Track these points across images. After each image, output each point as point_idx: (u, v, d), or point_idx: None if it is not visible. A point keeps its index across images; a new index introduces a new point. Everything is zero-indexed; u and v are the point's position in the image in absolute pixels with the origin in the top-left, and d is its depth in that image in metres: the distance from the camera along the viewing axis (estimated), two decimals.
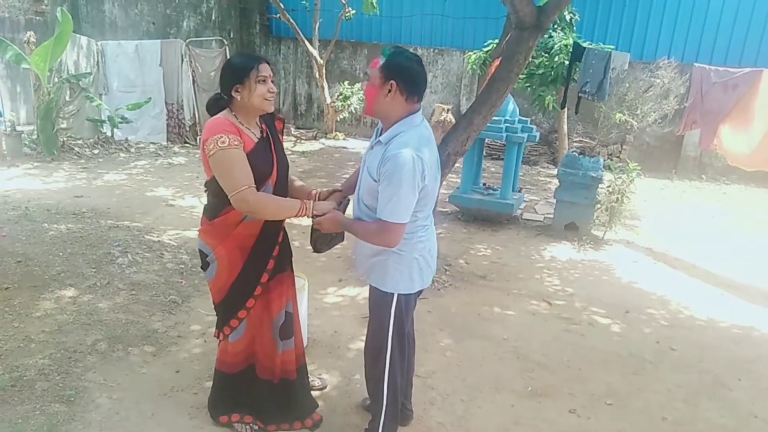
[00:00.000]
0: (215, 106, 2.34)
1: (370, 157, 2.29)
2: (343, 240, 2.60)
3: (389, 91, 2.18)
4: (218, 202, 2.35)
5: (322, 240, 2.51)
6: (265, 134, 2.40)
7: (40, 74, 7.97)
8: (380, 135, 2.29)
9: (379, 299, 2.42)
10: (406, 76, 2.18)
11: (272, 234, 2.45)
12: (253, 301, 2.46)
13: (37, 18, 9.58)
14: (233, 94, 2.26)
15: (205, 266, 2.47)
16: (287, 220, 2.48)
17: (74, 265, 4.31)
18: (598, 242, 6.01)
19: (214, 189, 2.34)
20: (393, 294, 2.38)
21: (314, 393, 2.91)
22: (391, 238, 2.21)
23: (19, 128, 8.42)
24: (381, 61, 2.20)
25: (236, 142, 2.20)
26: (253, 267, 2.43)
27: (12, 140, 8.11)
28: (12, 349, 3.16)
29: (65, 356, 3.14)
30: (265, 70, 2.28)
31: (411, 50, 2.30)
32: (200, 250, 2.46)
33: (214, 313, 2.58)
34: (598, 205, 6.10)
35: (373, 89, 2.21)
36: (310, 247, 2.54)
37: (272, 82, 2.32)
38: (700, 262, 5.67)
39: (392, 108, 2.21)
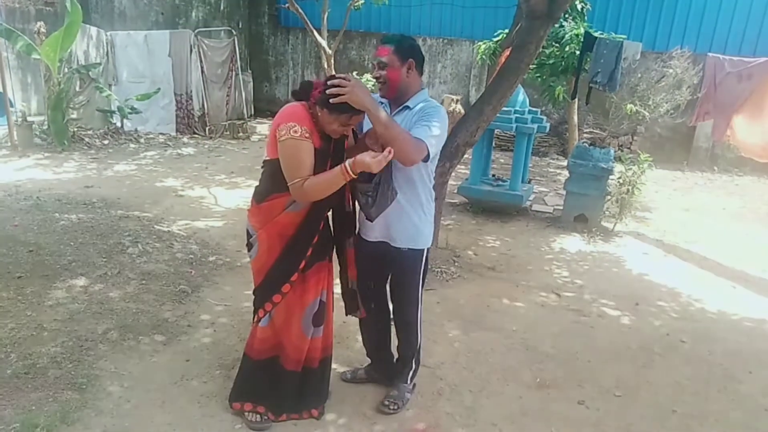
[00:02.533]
0: (301, 93, 2.37)
1: (397, 120, 2.46)
2: (395, 197, 2.47)
3: (409, 69, 2.48)
4: (270, 185, 2.39)
5: (368, 203, 2.40)
6: (331, 141, 2.39)
7: (51, 65, 8.00)
8: (393, 110, 2.54)
9: (413, 258, 2.66)
10: (417, 54, 2.51)
11: (314, 223, 2.47)
12: (289, 287, 2.49)
13: (47, 8, 9.60)
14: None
15: (249, 246, 2.53)
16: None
17: (85, 254, 4.35)
18: (608, 234, 5.98)
19: (271, 170, 2.37)
20: (424, 250, 2.68)
21: None
22: (419, 155, 2.34)
23: (30, 119, 8.48)
24: (391, 46, 2.45)
25: (307, 134, 2.25)
26: (291, 253, 2.46)
27: (23, 131, 8.16)
28: (25, 337, 3.19)
29: (77, 344, 3.17)
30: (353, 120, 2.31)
31: (420, 40, 2.42)
32: (247, 230, 2.53)
33: (251, 296, 2.66)
34: (609, 197, 6.06)
35: (396, 71, 2.45)
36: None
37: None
38: (711, 255, 5.62)
39: (411, 84, 2.51)
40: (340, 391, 2.96)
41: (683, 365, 3.53)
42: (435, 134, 2.36)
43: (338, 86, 2.18)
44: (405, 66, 2.45)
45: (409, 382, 2.92)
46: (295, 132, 2.22)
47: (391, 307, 2.88)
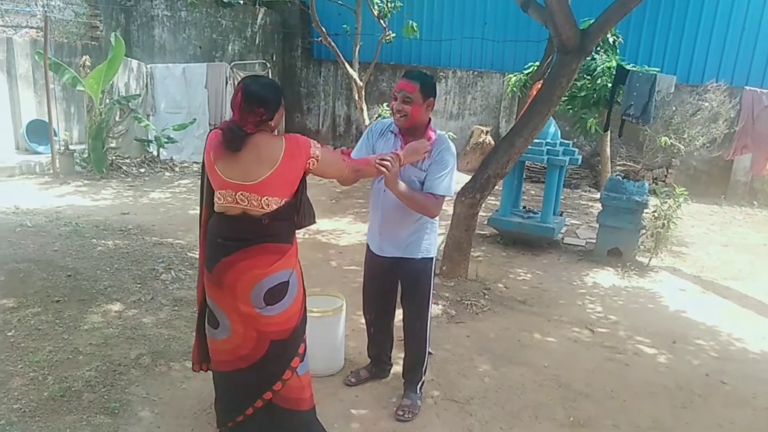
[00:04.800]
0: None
1: None
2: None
3: (428, 107, 2.76)
4: (290, 224, 2.36)
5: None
6: None
7: (93, 96, 8.34)
8: (407, 137, 2.80)
9: (425, 267, 2.95)
10: (435, 94, 2.80)
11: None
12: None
13: (93, 43, 10.09)
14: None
15: (280, 297, 2.32)
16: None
17: (120, 280, 4.44)
18: (643, 269, 5.83)
19: (287, 213, 2.31)
20: (434, 257, 2.98)
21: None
22: (439, 210, 2.81)
23: (71, 147, 8.81)
24: (417, 83, 2.69)
25: (317, 142, 2.41)
26: (302, 272, 2.50)
27: (65, 159, 8.48)
28: (62, 360, 3.26)
29: (110, 369, 3.22)
30: None
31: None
32: (278, 285, 2.31)
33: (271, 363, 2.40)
34: (643, 231, 5.94)
35: (418, 108, 2.72)
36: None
37: None
38: (752, 292, 5.43)
39: (425, 118, 2.80)
40: (368, 426, 2.92)
41: (725, 407, 3.38)
42: (452, 183, 2.77)
43: (387, 160, 2.53)
44: (426, 103, 2.73)
45: (418, 391, 3.11)
46: (317, 146, 2.34)
47: (402, 318, 3.14)
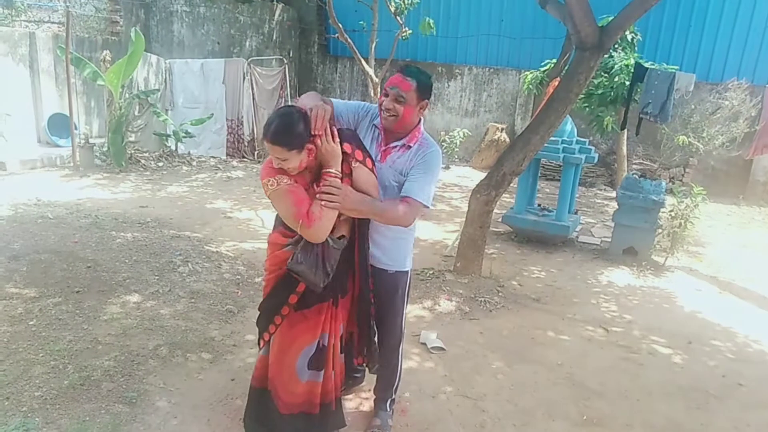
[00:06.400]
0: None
1: (399, 159, 2.48)
2: (322, 281, 2.32)
3: (421, 108, 2.47)
4: (280, 218, 2.41)
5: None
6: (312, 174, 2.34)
7: (113, 90, 8.44)
8: (389, 142, 2.49)
9: (398, 280, 2.66)
10: (431, 95, 2.51)
11: None
12: (280, 320, 2.43)
13: (113, 38, 10.20)
14: None
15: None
16: None
17: (139, 272, 4.51)
18: (659, 268, 5.79)
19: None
20: (409, 270, 2.72)
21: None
22: (414, 218, 2.44)
23: (91, 141, 8.93)
24: (414, 82, 2.38)
25: (285, 181, 2.20)
26: (283, 287, 2.40)
27: (85, 152, 8.60)
28: (81, 349, 3.32)
29: (129, 359, 3.28)
30: (271, 150, 2.15)
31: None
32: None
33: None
34: (659, 230, 5.89)
35: (411, 109, 2.42)
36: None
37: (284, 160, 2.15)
38: None
39: (416, 120, 2.50)
40: None
41: (742, 410, 3.35)
42: (431, 190, 2.46)
43: (330, 193, 2.19)
44: (419, 105, 2.43)
45: (389, 408, 2.90)
46: (272, 185, 2.20)
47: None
